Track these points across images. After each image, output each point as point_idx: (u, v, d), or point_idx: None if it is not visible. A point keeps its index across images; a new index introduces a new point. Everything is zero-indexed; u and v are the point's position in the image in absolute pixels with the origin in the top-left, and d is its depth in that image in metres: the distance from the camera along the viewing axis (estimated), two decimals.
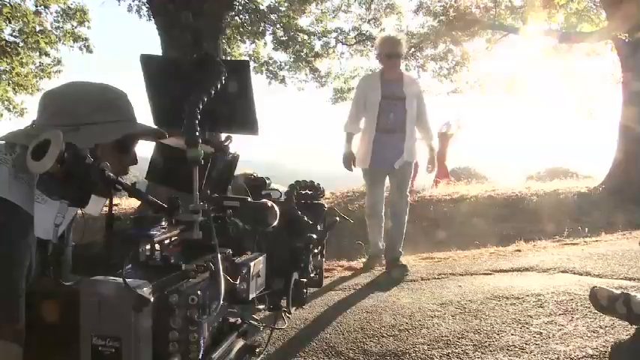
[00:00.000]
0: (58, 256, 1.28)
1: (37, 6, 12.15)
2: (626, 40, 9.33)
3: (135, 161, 1.31)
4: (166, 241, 0.84)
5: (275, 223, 1.10)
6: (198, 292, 0.77)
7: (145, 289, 0.69)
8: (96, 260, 0.99)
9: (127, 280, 0.67)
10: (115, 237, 0.80)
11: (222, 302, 0.80)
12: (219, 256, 0.83)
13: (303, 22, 14.35)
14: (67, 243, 1.33)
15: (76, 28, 12.70)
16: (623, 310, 2.33)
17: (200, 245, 0.88)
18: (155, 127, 1.31)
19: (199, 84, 0.97)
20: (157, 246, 0.81)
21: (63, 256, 1.32)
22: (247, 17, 13.41)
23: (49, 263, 1.21)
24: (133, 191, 0.88)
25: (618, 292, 2.40)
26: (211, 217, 0.90)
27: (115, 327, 0.68)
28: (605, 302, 2.41)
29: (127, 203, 8.78)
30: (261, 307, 1.17)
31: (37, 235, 1.13)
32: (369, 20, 14.62)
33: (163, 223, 0.86)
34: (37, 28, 12.33)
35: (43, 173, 0.75)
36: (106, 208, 0.90)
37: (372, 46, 14.65)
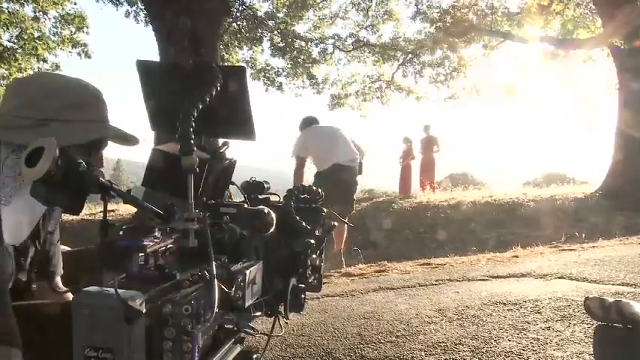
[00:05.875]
0: (44, 257, 1.25)
1: (35, 12, 12.18)
2: (622, 47, 9.39)
3: (101, 164, 1.26)
4: (161, 250, 0.83)
5: (272, 229, 1.09)
6: (192, 301, 0.77)
7: (137, 300, 0.68)
8: (91, 268, 0.98)
9: (120, 290, 0.67)
10: (108, 246, 0.79)
11: (217, 311, 0.79)
12: (214, 264, 0.83)
13: (301, 28, 14.41)
14: (52, 242, 1.29)
15: (74, 33, 12.72)
16: (617, 317, 2.38)
17: (195, 253, 0.88)
18: (126, 131, 1.27)
19: (194, 90, 0.97)
20: (152, 255, 0.80)
21: (50, 255, 1.28)
22: (245, 23, 13.45)
23: (32, 266, 1.18)
24: (128, 198, 0.87)
25: (611, 300, 2.43)
26: (207, 225, 0.89)
27: (108, 338, 0.67)
28: (599, 312, 2.46)
29: (124, 209, 8.75)
30: (257, 314, 1.16)
31: (6, 240, 1.08)
32: (366, 27, 14.69)
33: (157, 233, 0.85)
34: (36, 34, 12.34)
35: (36, 180, 0.75)
36: (88, 216, 0.89)
37: (369, 53, 14.73)
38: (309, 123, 5.37)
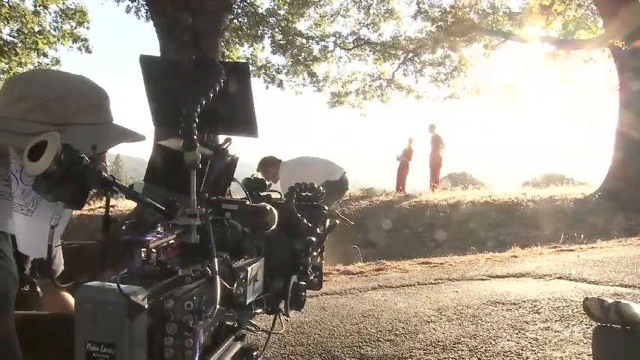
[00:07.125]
0: (48, 258, 1.23)
1: (36, 6, 12.14)
2: (623, 48, 9.38)
3: (103, 159, 1.24)
4: (163, 246, 0.83)
5: (274, 226, 1.09)
6: (194, 297, 0.77)
7: (139, 295, 0.68)
8: (93, 263, 0.97)
9: (122, 286, 0.67)
10: (110, 241, 0.79)
11: (218, 307, 0.79)
12: (215, 260, 0.82)
13: (302, 25, 14.40)
14: (52, 239, 1.27)
15: (75, 28, 12.69)
16: (616, 318, 2.39)
17: (197, 249, 0.88)
18: (133, 130, 1.25)
19: (198, 86, 0.96)
20: (154, 251, 0.80)
21: (52, 256, 1.27)
22: (246, 20, 13.43)
23: (34, 268, 1.15)
24: (130, 193, 0.87)
25: (610, 301, 2.45)
26: (209, 221, 0.89)
27: (110, 333, 0.67)
28: (598, 313, 2.48)
29: (123, 205, 8.75)
30: (258, 310, 1.16)
31: (26, 252, 1.05)
32: (367, 25, 14.68)
33: (159, 228, 0.84)
34: (36, 29, 12.31)
35: (39, 175, 0.74)
36: (87, 212, 0.88)
37: (370, 51, 14.73)
38: (275, 161, 5.10)
